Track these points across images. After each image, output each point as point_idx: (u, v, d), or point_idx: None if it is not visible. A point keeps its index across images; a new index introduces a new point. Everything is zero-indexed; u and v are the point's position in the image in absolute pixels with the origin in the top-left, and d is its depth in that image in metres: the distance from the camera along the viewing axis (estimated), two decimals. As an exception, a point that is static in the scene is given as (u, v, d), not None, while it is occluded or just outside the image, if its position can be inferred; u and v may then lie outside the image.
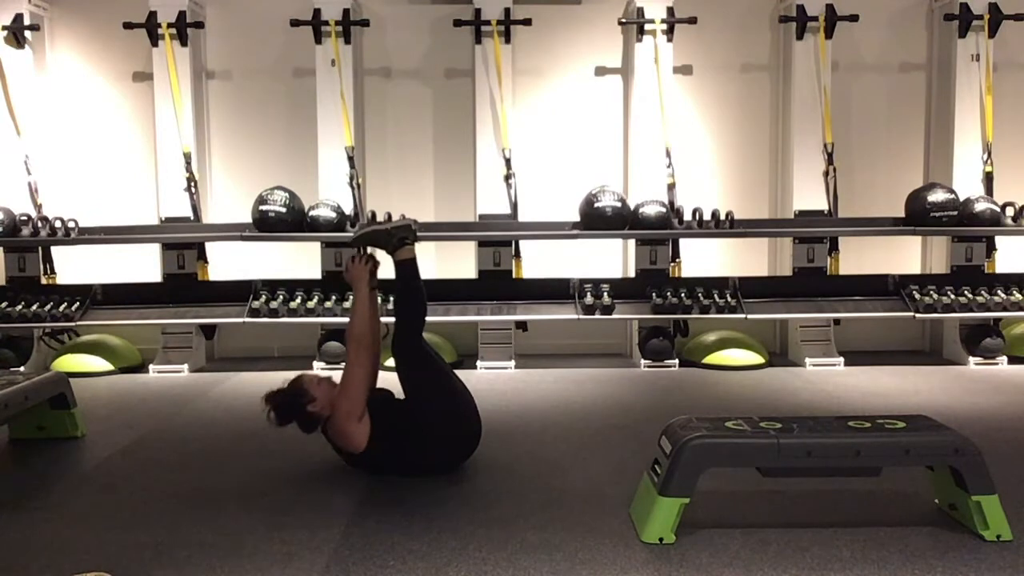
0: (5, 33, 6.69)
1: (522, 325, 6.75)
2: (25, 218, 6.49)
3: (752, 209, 7.11)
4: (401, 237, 3.97)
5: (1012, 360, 6.55)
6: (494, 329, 6.69)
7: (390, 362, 6.40)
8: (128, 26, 6.72)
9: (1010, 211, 6.46)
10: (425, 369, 3.85)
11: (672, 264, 6.75)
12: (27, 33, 6.75)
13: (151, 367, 6.58)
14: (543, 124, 7.24)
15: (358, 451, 3.68)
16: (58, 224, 6.44)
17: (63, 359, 6.52)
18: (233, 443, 4.47)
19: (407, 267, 3.97)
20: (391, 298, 6.30)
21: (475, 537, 3.06)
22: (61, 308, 6.40)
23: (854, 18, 6.79)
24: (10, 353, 6.51)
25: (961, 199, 6.47)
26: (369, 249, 4.12)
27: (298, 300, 6.40)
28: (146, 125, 7.08)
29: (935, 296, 6.42)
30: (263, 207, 6.34)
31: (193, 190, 6.73)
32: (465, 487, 3.68)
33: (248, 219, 6.46)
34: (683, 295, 6.40)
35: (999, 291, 6.41)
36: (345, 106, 6.68)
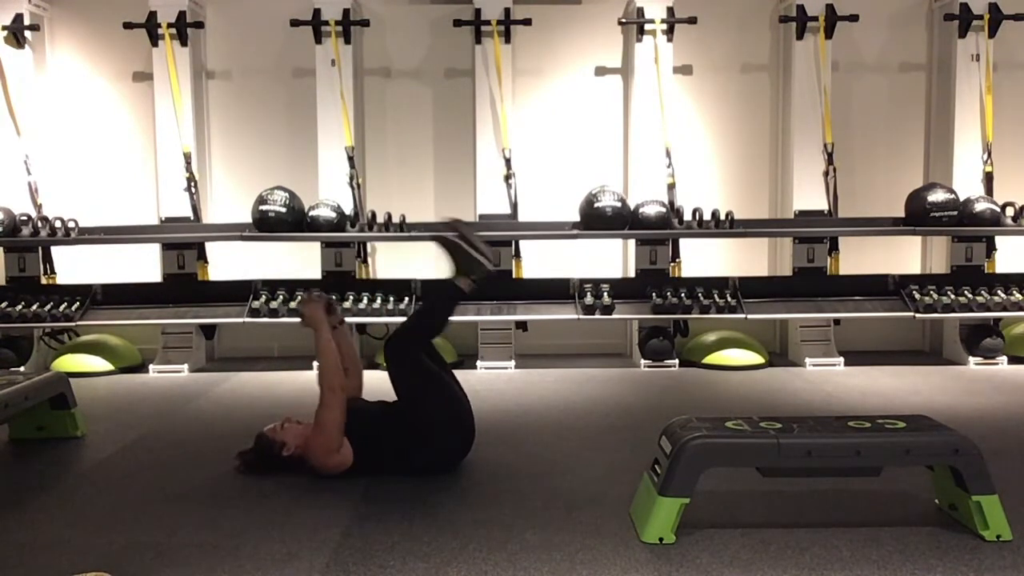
0: (5, 33, 6.69)
1: (522, 325, 6.75)
2: (25, 218, 6.49)
3: (752, 209, 7.11)
4: (478, 273, 3.90)
5: (1012, 360, 6.55)
6: (494, 329, 6.68)
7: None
8: (128, 26, 6.72)
9: (1010, 211, 6.45)
10: (419, 374, 3.82)
11: (672, 264, 6.75)
12: (27, 33, 6.75)
13: (151, 367, 6.58)
14: (543, 124, 7.23)
15: (342, 470, 3.69)
16: (58, 224, 6.44)
17: (63, 359, 6.52)
18: (233, 443, 4.45)
19: (454, 293, 3.92)
20: (390, 297, 6.34)
21: (475, 537, 3.06)
22: (61, 308, 6.39)
23: (854, 18, 6.79)
24: (10, 353, 6.51)
25: (961, 199, 6.46)
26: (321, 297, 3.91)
27: (298, 300, 6.40)
28: (146, 125, 7.08)
29: (935, 296, 6.42)
30: (263, 207, 6.34)
31: (193, 190, 6.73)
32: (465, 487, 3.68)
33: (248, 219, 6.46)
34: (683, 295, 6.40)
35: (999, 291, 6.41)
36: (345, 106, 6.68)
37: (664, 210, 6.41)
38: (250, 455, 3.85)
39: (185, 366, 6.57)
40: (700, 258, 7.05)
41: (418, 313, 3.84)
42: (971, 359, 6.56)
